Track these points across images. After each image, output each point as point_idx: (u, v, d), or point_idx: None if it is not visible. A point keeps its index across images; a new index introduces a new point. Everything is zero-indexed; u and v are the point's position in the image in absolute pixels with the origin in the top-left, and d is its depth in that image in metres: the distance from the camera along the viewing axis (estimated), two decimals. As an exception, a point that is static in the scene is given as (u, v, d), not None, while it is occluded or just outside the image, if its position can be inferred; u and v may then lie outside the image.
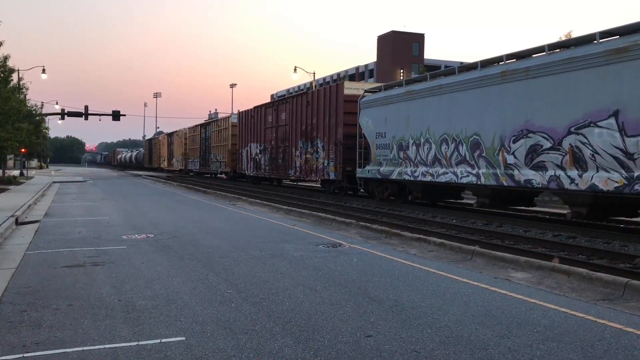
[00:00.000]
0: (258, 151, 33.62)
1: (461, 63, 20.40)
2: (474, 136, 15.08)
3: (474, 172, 15.12)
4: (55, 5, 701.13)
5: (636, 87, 10.67)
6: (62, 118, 52.97)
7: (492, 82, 14.46)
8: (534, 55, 13.58)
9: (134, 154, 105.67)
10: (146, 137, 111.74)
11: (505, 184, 14.03)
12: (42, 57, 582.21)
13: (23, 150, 43.07)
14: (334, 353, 4.97)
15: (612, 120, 11.08)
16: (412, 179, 18.05)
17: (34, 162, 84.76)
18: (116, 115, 51.10)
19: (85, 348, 5.06)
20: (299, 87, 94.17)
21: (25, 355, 4.90)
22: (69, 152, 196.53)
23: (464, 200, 19.71)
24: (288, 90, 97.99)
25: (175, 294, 7.10)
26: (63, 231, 13.13)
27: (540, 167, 12.90)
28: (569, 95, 12.11)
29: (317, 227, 14.66)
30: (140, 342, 5.21)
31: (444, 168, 16.44)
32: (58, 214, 17.29)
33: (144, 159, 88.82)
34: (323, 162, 24.70)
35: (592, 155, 11.52)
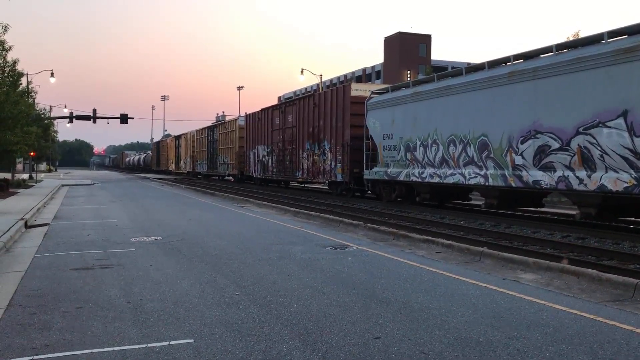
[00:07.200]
0: (265, 153, 33.67)
1: (468, 64, 20.35)
2: (482, 137, 15.03)
3: (482, 173, 15.06)
4: (63, 10, 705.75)
5: (645, 87, 10.60)
6: (71, 121, 53.31)
7: (499, 83, 14.41)
8: (541, 56, 13.52)
9: (142, 156, 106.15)
10: (154, 140, 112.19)
11: (513, 184, 13.97)
12: (51, 61, 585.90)
13: (32, 153, 43.38)
14: (342, 355, 4.97)
15: (621, 121, 11.01)
16: (419, 180, 18.01)
17: (43, 166, 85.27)
18: (124, 119, 51.30)
19: (94, 350, 5.08)
20: (305, 89, 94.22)
21: (35, 357, 4.92)
22: (77, 155, 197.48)
23: (472, 202, 19.63)
24: (295, 92, 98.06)
25: (184, 296, 7.11)
26: (72, 234, 13.19)
27: (548, 168, 12.84)
28: (577, 96, 12.05)
29: (325, 228, 14.65)
30: (149, 345, 5.22)
31: (451, 169, 16.39)
32: (67, 217, 17.38)
33: (152, 161, 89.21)
34: (330, 164, 24.69)
35: (601, 156, 11.45)
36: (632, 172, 10.82)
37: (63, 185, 38.65)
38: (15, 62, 25.10)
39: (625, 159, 10.95)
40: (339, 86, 25.58)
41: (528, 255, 9.70)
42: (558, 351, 5.07)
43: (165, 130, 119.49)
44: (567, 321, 6.04)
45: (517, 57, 14.34)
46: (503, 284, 7.89)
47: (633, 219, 13.47)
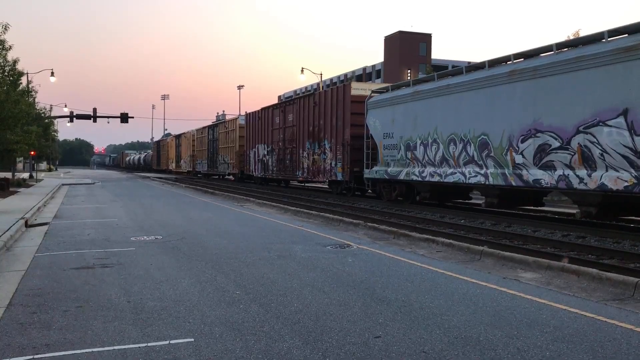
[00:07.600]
0: (265, 152, 33.67)
1: (469, 63, 20.34)
2: (482, 136, 15.02)
3: (482, 172, 15.06)
4: (63, 10, 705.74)
5: (645, 86, 10.59)
6: (71, 121, 53.36)
7: (500, 82, 14.40)
8: (541, 55, 13.52)
9: (142, 156, 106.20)
10: (154, 139, 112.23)
11: (513, 183, 13.97)
12: (51, 60, 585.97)
13: (32, 152, 43.40)
14: (343, 354, 4.97)
15: (621, 119, 11.01)
16: (420, 179, 18.01)
17: (43, 165, 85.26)
18: (124, 118, 51.35)
19: (94, 349, 5.08)
20: (306, 88, 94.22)
21: (35, 357, 4.92)
22: (77, 154, 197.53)
23: (472, 201, 19.64)
24: (295, 91, 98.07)
25: (184, 295, 7.12)
26: (72, 233, 13.19)
27: (548, 167, 12.84)
28: (578, 95, 12.05)
29: (325, 228, 14.65)
30: (149, 344, 5.22)
31: (451, 168, 16.39)
32: (67, 216, 17.38)
33: (152, 161, 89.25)
34: (330, 163, 24.70)
35: (601, 155, 11.45)
36: (633, 171, 10.82)
37: (63, 185, 38.64)
38: (15, 62, 25.08)
39: (626, 157, 10.95)
40: (339, 85, 25.58)
41: (528, 254, 9.70)
42: (558, 350, 5.07)
43: (166, 130, 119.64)
44: (567, 320, 6.04)
45: (517, 56, 14.33)
46: (503, 283, 7.89)
47: (634, 217, 13.47)
